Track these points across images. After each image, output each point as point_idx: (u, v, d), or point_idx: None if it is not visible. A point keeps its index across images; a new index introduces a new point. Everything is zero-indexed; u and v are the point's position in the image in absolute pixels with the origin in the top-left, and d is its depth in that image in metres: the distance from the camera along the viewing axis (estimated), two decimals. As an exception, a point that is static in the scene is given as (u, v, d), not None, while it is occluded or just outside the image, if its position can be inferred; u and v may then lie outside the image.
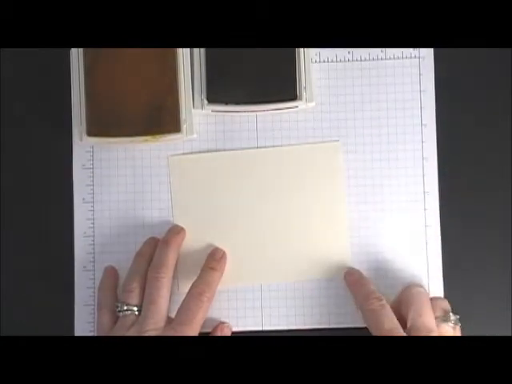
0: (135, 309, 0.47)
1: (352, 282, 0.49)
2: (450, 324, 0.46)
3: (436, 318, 0.46)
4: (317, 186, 0.51)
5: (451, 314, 0.47)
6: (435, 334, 0.44)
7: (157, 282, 0.47)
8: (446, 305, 0.49)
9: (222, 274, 0.49)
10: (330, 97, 0.52)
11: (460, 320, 0.48)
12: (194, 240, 0.51)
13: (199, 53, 0.51)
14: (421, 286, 0.49)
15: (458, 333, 0.47)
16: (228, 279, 0.50)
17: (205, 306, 0.47)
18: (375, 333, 0.44)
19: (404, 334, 0.43)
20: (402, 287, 0.50)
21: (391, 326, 0.44)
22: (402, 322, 0.45)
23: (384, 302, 0.45)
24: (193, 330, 0.45)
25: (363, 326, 0.47)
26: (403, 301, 0.48)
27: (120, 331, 0.46)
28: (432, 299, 0.48)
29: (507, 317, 0.51)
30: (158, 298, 0.47)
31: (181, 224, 0.51)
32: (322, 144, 0.52)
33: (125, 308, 0.47)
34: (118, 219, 0.52)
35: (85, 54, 0.51)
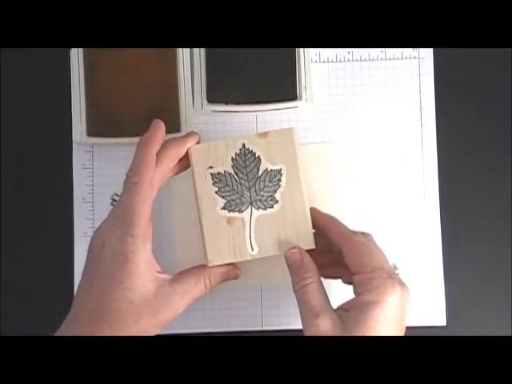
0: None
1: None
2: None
3: None
4: (316, 185, 0.51)
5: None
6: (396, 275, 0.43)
7: (131, 188, 0.43)
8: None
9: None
10: (330, 97, 0.52)
11: (460, 319, 0.48)
12: (193, 240, 0.50)
13: (199, 53, 0.51)
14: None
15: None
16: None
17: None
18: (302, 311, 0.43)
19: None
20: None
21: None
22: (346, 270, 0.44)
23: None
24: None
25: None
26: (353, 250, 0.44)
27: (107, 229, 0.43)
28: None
29: (507, 317, 0.51)
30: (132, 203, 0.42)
31: (181, 224, 0.51)
32: (322, 144, 0.52)
33: (113, 197, 0.45)
34: (117, 219, 0.52)
35: (85, 54, 0.51)
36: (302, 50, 0.51)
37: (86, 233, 0.52)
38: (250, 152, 0.45)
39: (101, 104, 0.51)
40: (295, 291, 0.44)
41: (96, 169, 0.52)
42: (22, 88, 0.53)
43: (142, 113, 0.51)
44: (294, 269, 0.44)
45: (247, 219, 0.45)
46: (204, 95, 0.51)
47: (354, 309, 0.41)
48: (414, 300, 0.51)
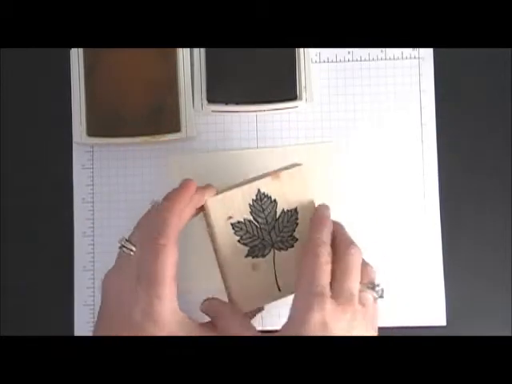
0: (134, 249, 0.42)
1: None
2: (374, 294, 0.42)
3: (361, 283, 0.42)
4: (315, 185, 0.51)
5: (378, 284, 0.43)
6: (355, 299, 0.41)
7: (158, 250, 0.41)
8: (374, 273, 0.44)
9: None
10: (330, 97, 0.52)
11: (460, 319, 0.48)
12: (193, 240, 0.50)
13: (199, 53, 0.51)
14: (357, 247, 0.44)
15: (376, 305, 0.43)
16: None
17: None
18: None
19: None
20: (401, 288, 0.50)
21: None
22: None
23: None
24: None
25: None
26: (337, 258, 0.43)
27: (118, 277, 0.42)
28: (362, 264, 0.44)
29: (507, 317, 0.51)
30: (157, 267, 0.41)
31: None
32: (322, 144, 0.52)
33: (123, 244, 0.42)
34: (117, 219, 0.52)
35: (85, 54, 0.51)
36: (301, 50, 0.51)
37: (86, 233, 0.52)
38: (265, 196, 0.45)
39: (101, 104, 0.51)
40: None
41: (96, 169, 0.52)
42: (22, 88, 0.53)
43: (141, 113, 0.51)
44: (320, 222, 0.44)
45: (271, 262, 0.45)
46: (204, 95, 0.51)
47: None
48: (414, 300, 0.51)
